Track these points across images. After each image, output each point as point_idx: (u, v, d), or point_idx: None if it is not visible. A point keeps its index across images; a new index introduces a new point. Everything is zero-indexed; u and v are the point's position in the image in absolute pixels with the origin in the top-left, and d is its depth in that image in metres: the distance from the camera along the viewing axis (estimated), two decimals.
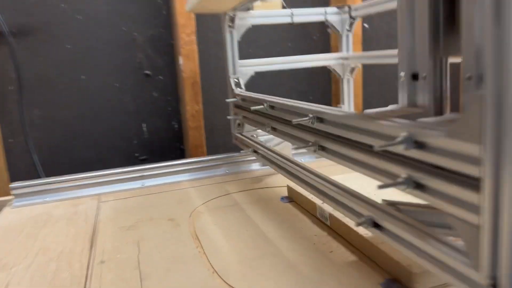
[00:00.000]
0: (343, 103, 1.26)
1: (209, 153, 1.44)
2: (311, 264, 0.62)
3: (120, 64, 1.39)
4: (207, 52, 1.44)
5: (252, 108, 0.84)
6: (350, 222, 0.67)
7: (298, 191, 0.85)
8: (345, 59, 1.20)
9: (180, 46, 1.30)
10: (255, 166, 1.15)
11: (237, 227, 0.77)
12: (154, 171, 1.10)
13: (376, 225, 0.53)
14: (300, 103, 0.72)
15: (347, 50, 1.21)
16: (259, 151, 0.95)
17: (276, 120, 0.83)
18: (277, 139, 1.07)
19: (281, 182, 1.00)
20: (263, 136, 1.15)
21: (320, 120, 0.63)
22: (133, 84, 1.41)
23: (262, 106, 0.84)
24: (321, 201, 0.77)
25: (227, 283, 0.58)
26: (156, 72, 1.42)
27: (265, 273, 0.60)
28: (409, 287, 0.53)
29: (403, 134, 0.44)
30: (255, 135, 1.14)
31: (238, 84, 1.11)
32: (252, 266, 0.62)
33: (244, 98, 1.02)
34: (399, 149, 0.44)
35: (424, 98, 0.54)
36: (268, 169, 1.13)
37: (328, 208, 0.73)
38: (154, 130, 1.45)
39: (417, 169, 0.44)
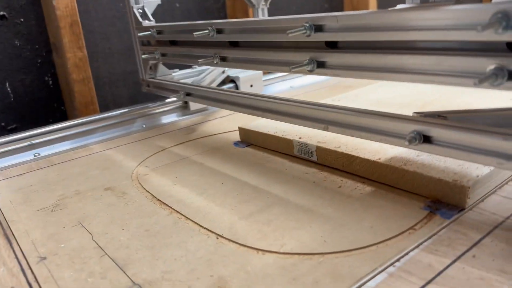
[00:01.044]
0: None
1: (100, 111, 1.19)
2: (329, 205, 0.51)
3: None
4: None
5: (196, 34, 0.67)
6: (347, 150, 0.59)
7: (259, 131, 0.72)
8: None
9: None
10: (175, 116, 0.97)
11: (205, 181, 0.62)
12: (48, 136, 0.85)
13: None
14: (272, 18, 0.58)
15: None
16: (197, 92, 0.79)
17: (227, 48, 0.68)
18: (210, 78, 0.91)
19: (224, 128, 0.86)
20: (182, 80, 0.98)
21: (318, 28, 0.51)
22: None
23: (205, 31, 0.67)
24: (298, 137, 0.66)
25: (248, 246, 0.44)
26: (15, 13, 1.08)
27: (284, 225, 0.48)
28: (459, 205, 0.47)
29: (493, 13, 0.35)
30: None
31: (144, 16, 0.90)
32: (263, 221, 0.49)
33: (160, 31, 0.83)
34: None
35: None
36: (194, 117, 0.96)
37: (312, 141, 0.63)
38: (22, 90, 1.12)
39: None
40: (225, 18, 1.43)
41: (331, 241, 0.44)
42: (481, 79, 0.36)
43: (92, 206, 0.58)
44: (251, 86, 1.02)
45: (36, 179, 0.71)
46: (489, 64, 0.37)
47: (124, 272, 0.43)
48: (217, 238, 0.47)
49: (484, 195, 0.49)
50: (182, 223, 0.51)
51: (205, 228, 0.49)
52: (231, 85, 1.03)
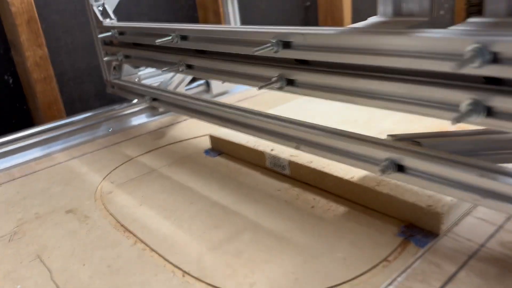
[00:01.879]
0: None
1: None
2: (302, 230, 0.49)
3: None
4: None
5: (157, 41, 0.62)
6: (320, 166, 0.56)
7: (230, 140, 0.69)
8: None
9: None
10: (143, 118, 0.93)
11: (173, 201, 0.59)
12: (7, 147, 0.80)
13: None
14: (237, 27, 0.54)
15: None
16: (164, 98, 0.74)
17: (193, 56, 0.64)
18: (178, 79, 0.86)
19: (194, 132, 0.82)
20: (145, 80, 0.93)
21: (286, 45, 0.47)
22: None
23: (168, 38, 0.62)
24: (270, 148, 0.63)
25: (215, 286, 0.42)
26: None
27: (254, 256, 0.46)
28: (433, 231, 0.46)
29: (470, 46, 0.32)
30: (137, 79, 0.91)
31: (105, 14, 0.84)
32: (232, 252, 0.47)
33: (122, 31, 0.78)
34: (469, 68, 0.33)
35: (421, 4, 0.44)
36: (163, 118, 0.92)
37: (285, 155, 0.61)
38: None
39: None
40: (194, 6, 1.36)
41: (303, 279, 0.42)
42: (458, 118, 0.33)
43: (53, 232, 0.55)
44: (223, 82, 0.98)
45: None
46: (464, 98, 0.35)
47: None
48: (183, 276, 0.44)
49: (459, 217, 0.47)
50: (147, 256, 0.48)
51: (170, 263, 0.46)
52: (203, 81, 0.99)
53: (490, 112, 0.34)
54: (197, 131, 0.83)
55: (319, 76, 0.46)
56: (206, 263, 0.46)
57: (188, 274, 0.44)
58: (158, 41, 0.62)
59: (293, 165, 0.59)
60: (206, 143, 0.76)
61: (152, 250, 0.49)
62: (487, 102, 0.34)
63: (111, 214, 0.58)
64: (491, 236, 0.44)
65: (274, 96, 0.73)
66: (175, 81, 0.88)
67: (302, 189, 0.58)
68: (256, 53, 0.47)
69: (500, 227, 0.46)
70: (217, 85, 0.97)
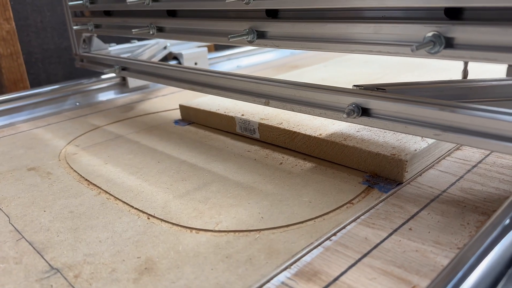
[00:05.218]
0: None
1: None
2: (269, 182, 0.49)
3: None
4: None
5: (129, 1, 0.62)
6: (289, 127, 0.57)
7: (200, 108, 0.69)
8: None
9: None
10: (112, 94, 0.92)
11: (140, 160, 0.58)
12: None
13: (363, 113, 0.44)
14: None
15: None
16: (134, 66, 0.74)
17: (164, 17, 0.64)
18: (149, 53, 0.86)
19: (165, 106, 0.82)
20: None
21: None
22: None
23: None
24: (240, 114, 0.63)
25: (181, 225, 0.42)
26: None
27: (221, 202, 0.45)
28: (396, 179, 0.47)
29: None
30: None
31: None
32: (199, 199, 0.46)
33: (93, 0, 0.77)
34: None
35: None
36: (133, 95, 0.91)
37: (255, 118, 0.61)
38: None
39: None
40: None
41: (269, 217, 0.42)
42: (418, 46, 0.35)
43: (13, 187, 0.53)
44: (196, 64, 0.98)
45: None
46: (426, 31, 0.36)
47: (42, 256, 0.39)
48: (148, 218, 0.44)
49: (422, 169, 0.49)
50: (111, 203, 0.47)
51: (135, 208, 0.46)
52: (174, 62, 0.98)
53: (449, 44, 0.35)
54: (167, 105, 0.82)
55: (288, 25, 0.47)
56: (172, 208, 0.45)
57: (154, 216, 0.44)
58: (130, 1, 0.62)
59: (262, 127, 0.60)
60: (176, 115, 0.75)
61: (117, 198, 0.48)
62: (447, 34, 0.35)
63: (75, 171, 0.56)
64: (452, 184, 0.46)
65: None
66: (145, 55, 0.88)
67: (272, 150, 0.58)
68: (227, 0, 0.47)
69: (461, 177, 0.47)
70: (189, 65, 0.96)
